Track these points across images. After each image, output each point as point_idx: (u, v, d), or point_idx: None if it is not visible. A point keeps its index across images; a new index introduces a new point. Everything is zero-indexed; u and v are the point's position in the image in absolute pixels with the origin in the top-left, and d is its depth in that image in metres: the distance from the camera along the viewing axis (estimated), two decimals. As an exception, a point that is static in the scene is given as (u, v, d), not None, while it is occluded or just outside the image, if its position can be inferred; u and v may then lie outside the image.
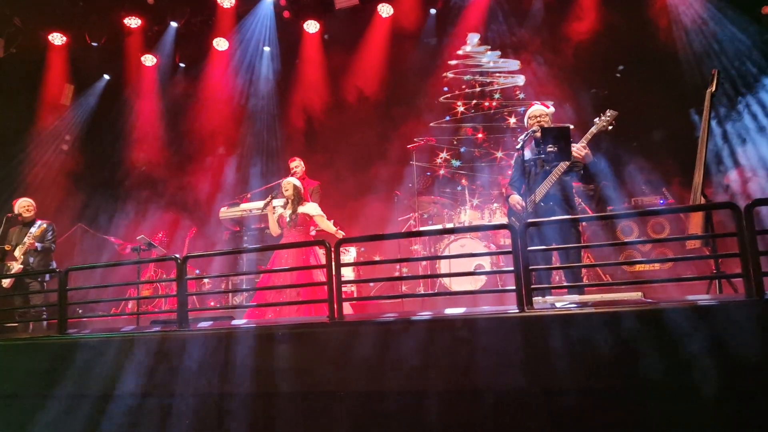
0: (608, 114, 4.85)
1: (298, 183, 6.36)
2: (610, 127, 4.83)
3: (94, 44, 10.49)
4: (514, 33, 10.06)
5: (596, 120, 4.88)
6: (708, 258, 5.05)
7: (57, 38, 10.59)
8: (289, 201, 6.27)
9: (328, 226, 6.24)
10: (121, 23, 10.57)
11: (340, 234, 6.14)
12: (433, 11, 10.49)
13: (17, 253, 6.98)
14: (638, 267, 7.19)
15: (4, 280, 6.90)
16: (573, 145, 4.72)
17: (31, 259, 7.00)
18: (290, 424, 3.71)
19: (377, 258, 8.73)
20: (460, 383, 3.35)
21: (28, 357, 4.59)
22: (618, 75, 9.00)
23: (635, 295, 3.80)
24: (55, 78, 10.83)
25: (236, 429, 3.82)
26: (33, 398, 4.42)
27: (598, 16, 9.15)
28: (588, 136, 4.81)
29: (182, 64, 11.56)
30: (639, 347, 3.06)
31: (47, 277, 7.10)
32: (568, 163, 4.77)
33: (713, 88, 5.14)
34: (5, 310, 6.76)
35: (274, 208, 6.36)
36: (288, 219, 6.18)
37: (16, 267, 6.91)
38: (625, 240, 7.39)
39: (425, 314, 3.85)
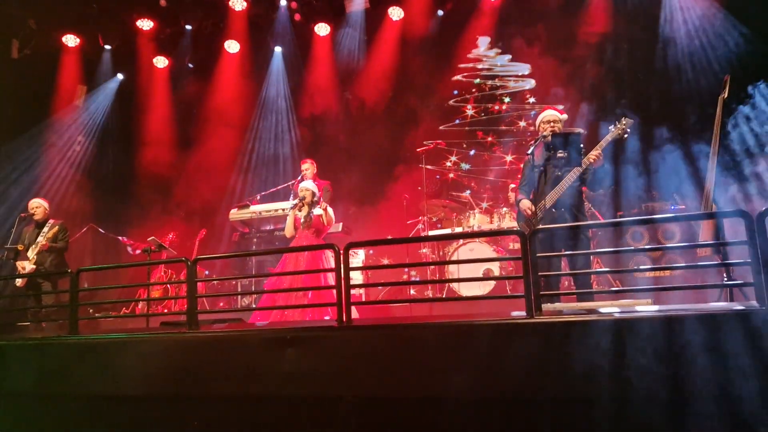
0: (623, 122, 4.79)
1: (314, 188, 6.47)
2: (625, 136, 4.78)
3: (108, 46, 10.59)
4: (524, 36, 10.04)
5: (611, 127, 4.83)
6: (719, 266, 5.00)
7: (70, 40, 10.70)
8: (305, 204, 6.38)
9: (320, 213, 6.32)
10: (133, 25, 10.67)
11: (324, 205, 6.34)
12: (440, 12, 10.48)
13: (30, 253, 7.05)
14: (648, 274, 7.14)
15: (17, 280, 6.97)
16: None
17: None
18: (297, 428, 3.72)
19: (385, 261, 8.73)
20: (469, 389, 3.35)
21: (40, 357, 4.62)
22: (640, 77, 8.96)
23: (645, 302, 3.78)
24: (68, 79, 10.95)
25: None
26: (44, 398, 4.46)
27: (608, 20, 9.12)
28: (603, 143, 4.75)
29: (191, 65, 11.63)
30: (649, 355, 3.04)
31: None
32: (580, 169, 4.74)
33: (725, 94, 5.09)
34: (18, 310, 6.83)
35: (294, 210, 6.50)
36: (303, 220, 6.30)
37: (28, 267, 6.98)
38: (635, 246, 7.34)
39: (433, 319, 3.84)
